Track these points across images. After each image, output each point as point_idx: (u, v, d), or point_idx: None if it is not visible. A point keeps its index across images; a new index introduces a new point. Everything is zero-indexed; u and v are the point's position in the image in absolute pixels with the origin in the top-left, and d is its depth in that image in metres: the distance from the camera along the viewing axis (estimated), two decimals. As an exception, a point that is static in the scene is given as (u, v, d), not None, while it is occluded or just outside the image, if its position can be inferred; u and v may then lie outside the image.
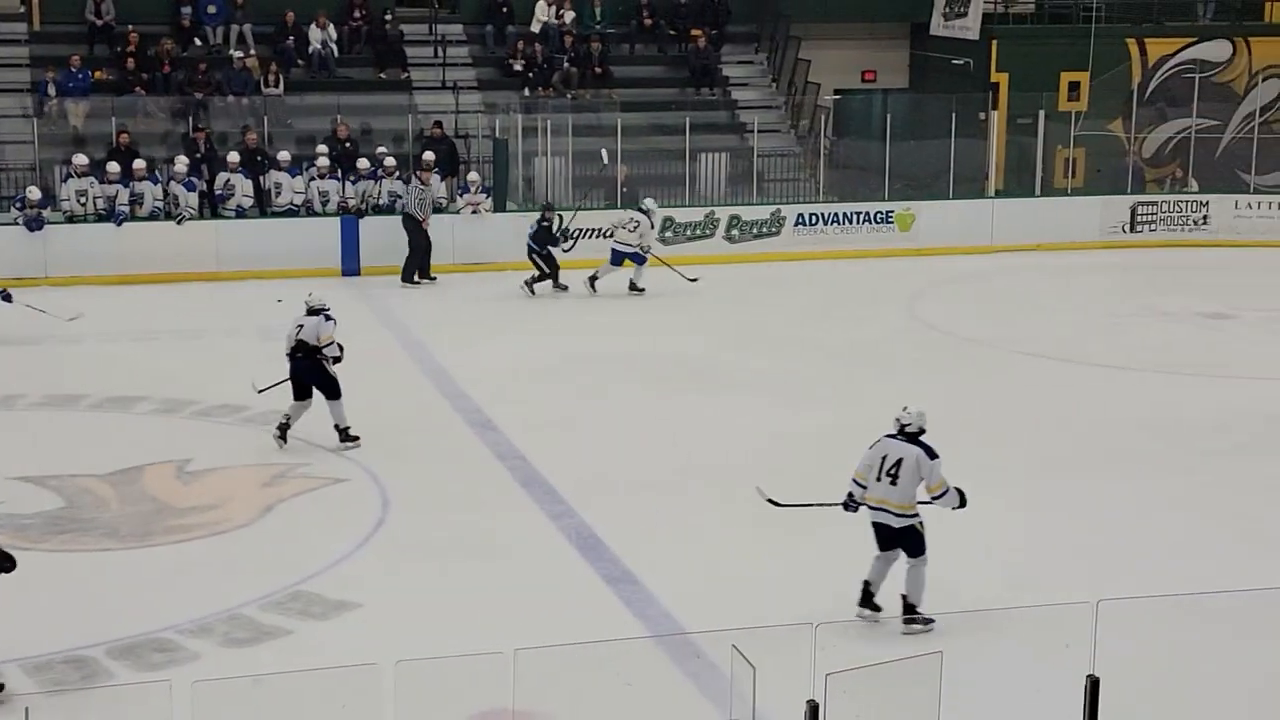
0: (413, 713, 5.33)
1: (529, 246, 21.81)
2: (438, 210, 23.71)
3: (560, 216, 22.29)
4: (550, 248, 21.82)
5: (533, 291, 21.64)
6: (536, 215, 22.14)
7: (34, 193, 22.38)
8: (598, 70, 27.81)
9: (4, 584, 11.29)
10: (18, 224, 22.23)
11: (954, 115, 26.14)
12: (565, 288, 21.83)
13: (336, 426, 14.55)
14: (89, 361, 18.04)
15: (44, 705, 8.64)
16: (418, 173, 22.91)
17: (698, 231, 24.86)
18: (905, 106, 28.27)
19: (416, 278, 22.38)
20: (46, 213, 22.42)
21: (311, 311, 14.51)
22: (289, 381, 14.57)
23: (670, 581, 11.45)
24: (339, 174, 23.82)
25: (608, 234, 22.35)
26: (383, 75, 27.18)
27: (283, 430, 14.45)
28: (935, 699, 7.32)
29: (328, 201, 23.61)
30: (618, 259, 21.97)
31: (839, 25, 29.64)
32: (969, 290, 22.90)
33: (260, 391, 14.86)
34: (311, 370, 14.46)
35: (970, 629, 10.22)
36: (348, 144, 24.60)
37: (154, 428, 15.48)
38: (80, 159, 22.98)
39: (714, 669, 9.50)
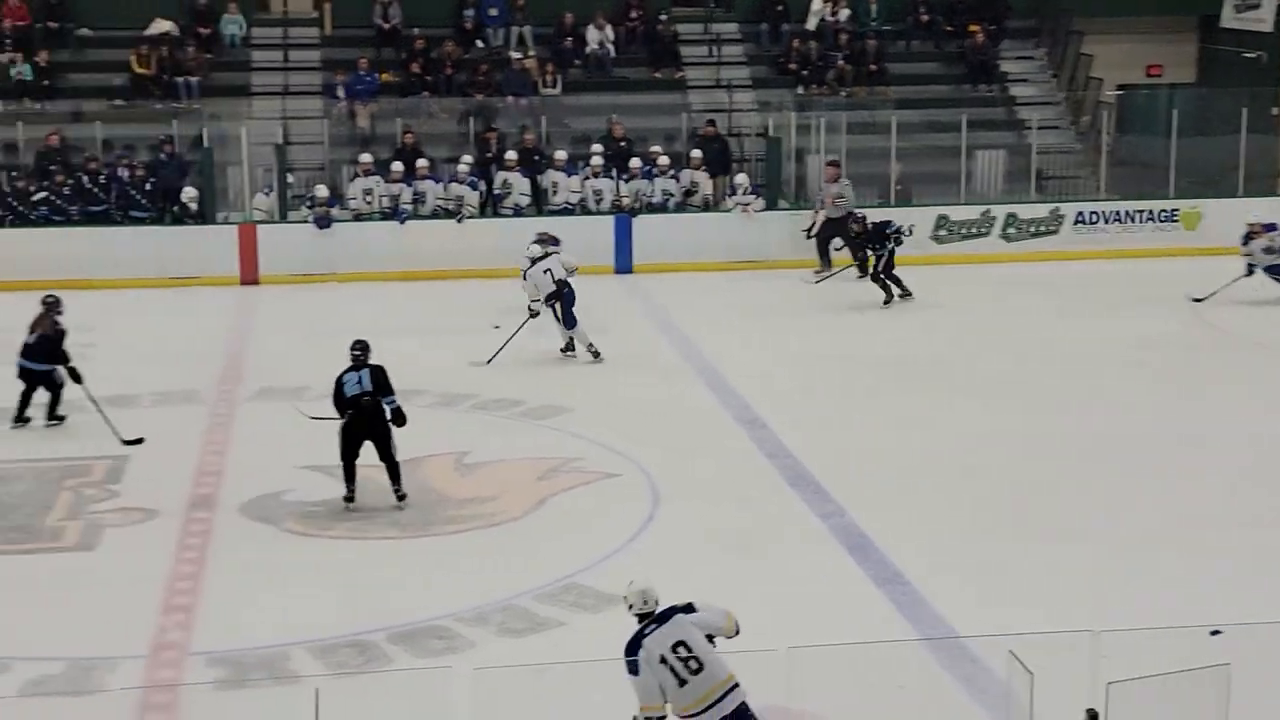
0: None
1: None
2: (707, 209, 23.86)
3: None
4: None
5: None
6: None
7: (322, 191, 23.21)
8: (873, 67, 27.58)
9: (291, 569, 11.76)
10: (308, 222, 23.08)
11: (1245, 110, 25.19)
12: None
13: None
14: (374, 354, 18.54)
15: (331, 687, 8.93)
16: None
17: (973, 230, 24.47)
18: (1193, 102, 27.36)
19: None
20: (334, 211, 23.22)
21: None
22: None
23: (941, 584, 11.29)
24: (613, 173, 24.11)
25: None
26: (657, 75, 27.41)
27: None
28: (1223, 713, 7.07)
29: (602, 200, 23.93)
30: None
31: (1123, 20, 28.82)
32: (1259, 292, 22.04)
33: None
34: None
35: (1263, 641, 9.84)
36: (622, 143, 24.88)
37: (434, 420, 15.86)
38: (366, 159, 23.74)
39: (988, 674, 9.35)
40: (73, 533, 12.60)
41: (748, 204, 23.65)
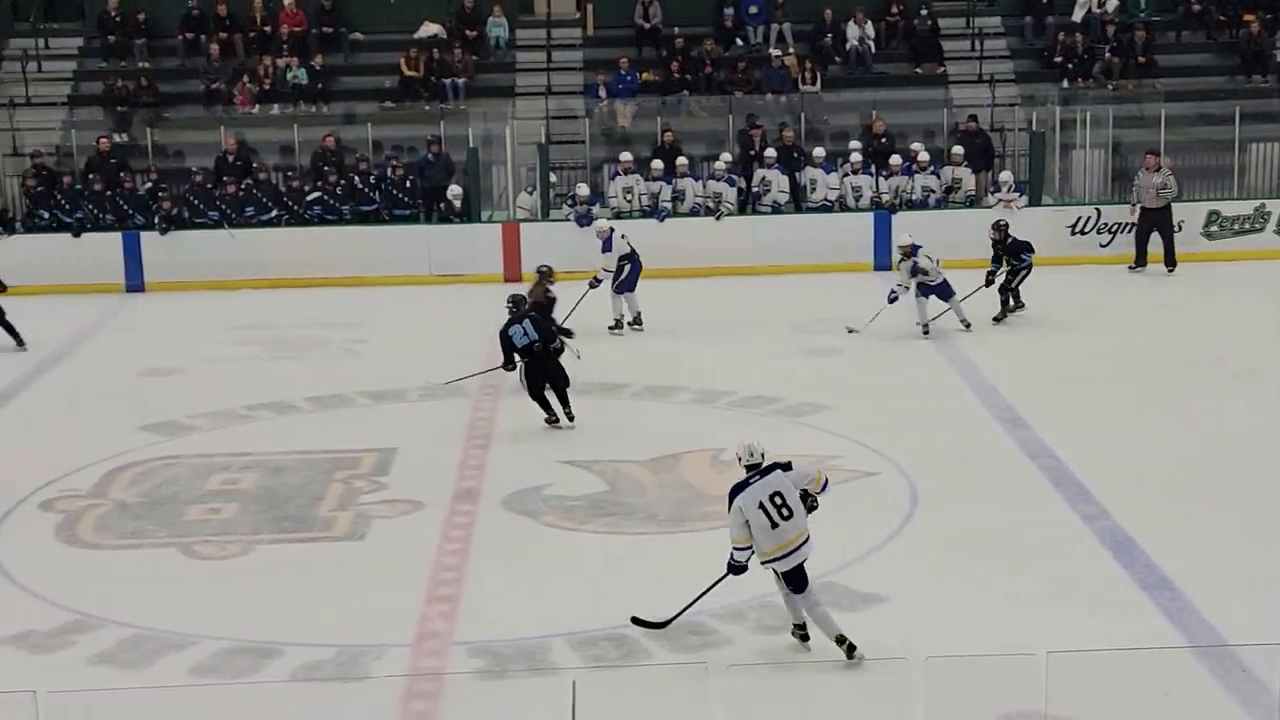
0: (941, 710, 5.28)
1: None
2: (969, 205, 23.50)
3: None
4: None
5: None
6: None
7: (583, 190, 23.53)
8: (1141, 59, 26.83)
9: (551, 562, 11.93)
10: (569, 220, 23.42)
11: None
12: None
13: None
14: (630, 352, 18.78)
15: (588, 680, 9.04)
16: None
17: (1245, 226, 23.61)
18: None
19: None
20: (595, 209, 23.51)
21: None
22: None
23: (1210, 589, 10.92)
24: (872, 169, 23.92)
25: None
26: (918, 70, 27.10)
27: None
28: None
29: (860, 196, 23.76)
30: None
31: None
32: None
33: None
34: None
35: None
36: (882, 139, 24.67)
37: (691, 417, 15.96)
38: (627, 157, 24.00)
39: (1259, 685, 9.01)
40: (343, 523, 13.00)
41: (1011, 200, 23.21)
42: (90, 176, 23.92)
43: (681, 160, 23.88)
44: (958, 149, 23.90)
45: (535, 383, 15.31)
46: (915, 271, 18.57)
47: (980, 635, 10.00)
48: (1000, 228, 19.83)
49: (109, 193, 23.70)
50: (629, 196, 23.77)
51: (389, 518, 13.04)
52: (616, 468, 14.08)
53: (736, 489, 9.92)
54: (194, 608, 11.18)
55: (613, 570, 11.88)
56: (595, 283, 19.73)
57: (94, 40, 27.56)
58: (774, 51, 27.06)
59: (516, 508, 13.21)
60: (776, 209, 23.80)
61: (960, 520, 12.59)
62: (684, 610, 10.34)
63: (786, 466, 10.10)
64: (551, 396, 15.38)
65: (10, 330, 18.93)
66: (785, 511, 9.85)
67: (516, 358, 15.41)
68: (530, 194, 24.30)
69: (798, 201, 24.11)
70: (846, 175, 23.85)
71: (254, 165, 24.38)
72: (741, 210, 23.90)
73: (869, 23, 27.18)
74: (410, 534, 12.67)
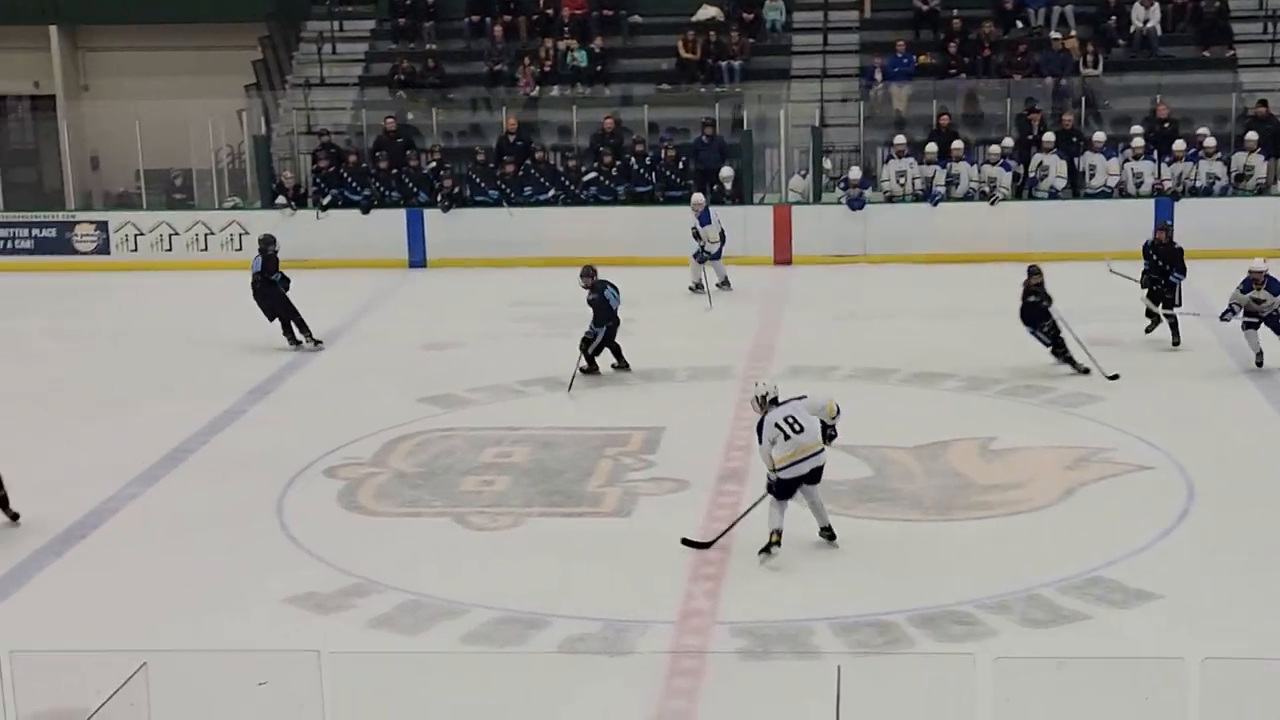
0: (1219, 713, 5.14)
1: None
2: (1260, 193, 22.66)
3: None
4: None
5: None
6: None
7: (855, 173, 23.41)
8: None
9: (815, 546, 11.91)
10: (841, 203, 23.33)
11: None
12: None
13: None
14: (901, 336, 18.64)
15: (852, 665, 9.04)
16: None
17: None
18: None
19: None
20: (867, 193, 23.38)
21: None
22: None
23: None
24: (1155, 155, 23.25)
25: None
26: (1206, 54, 26.20)
27: None
28: None
29: (1142, 183, 23.12)
30: None
31: None
32: None
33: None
34: None
35: None
36: (1165, 124, 23.96)
37: (959, 404, 15.77)
38: (901, 140, 23.79)
39: None
40: (611, 499, 13.20)
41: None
42: (377, 155, 24.72)
43: (957, 144, 23.58)
44: (1251, 135, 23.06)
45: (610, 343, 17.02)
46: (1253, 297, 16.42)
47: (1262, 637, 9.68)
48: (1167, 228, 18.19)
49: (394, 171, 24.46)
50: (902, 180, 23.58)
51: (656, 495, 13.19)
52: (883, 453, 14.00)
53: (762, 421, 11.60)
54: (467, 577, 11.49)
55: (877, 556, 11.81)
56: (705, 256, 21.28)
57: (385, 23, 28.43)
58: (1055, 34, 26.47)
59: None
60: (1054, 194, 23.32)
61: (1240, 521, 12.19)
62: (727, 531, 11.79)
63: (800, 398, 11.77)
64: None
65: (294, 328, 18.80)
66: (798, 427, 11.51)
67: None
68: (802, 177, 24.27)
69: (1076, 187, 23.59)
70: (1127, 161, 23.23)
71: (533, 146, 24.87)
72: (1018, 196, 23.48)
73: (1155, 4, 26.38)
74: (676, 512, 12.79)
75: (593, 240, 22.81)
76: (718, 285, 21.26)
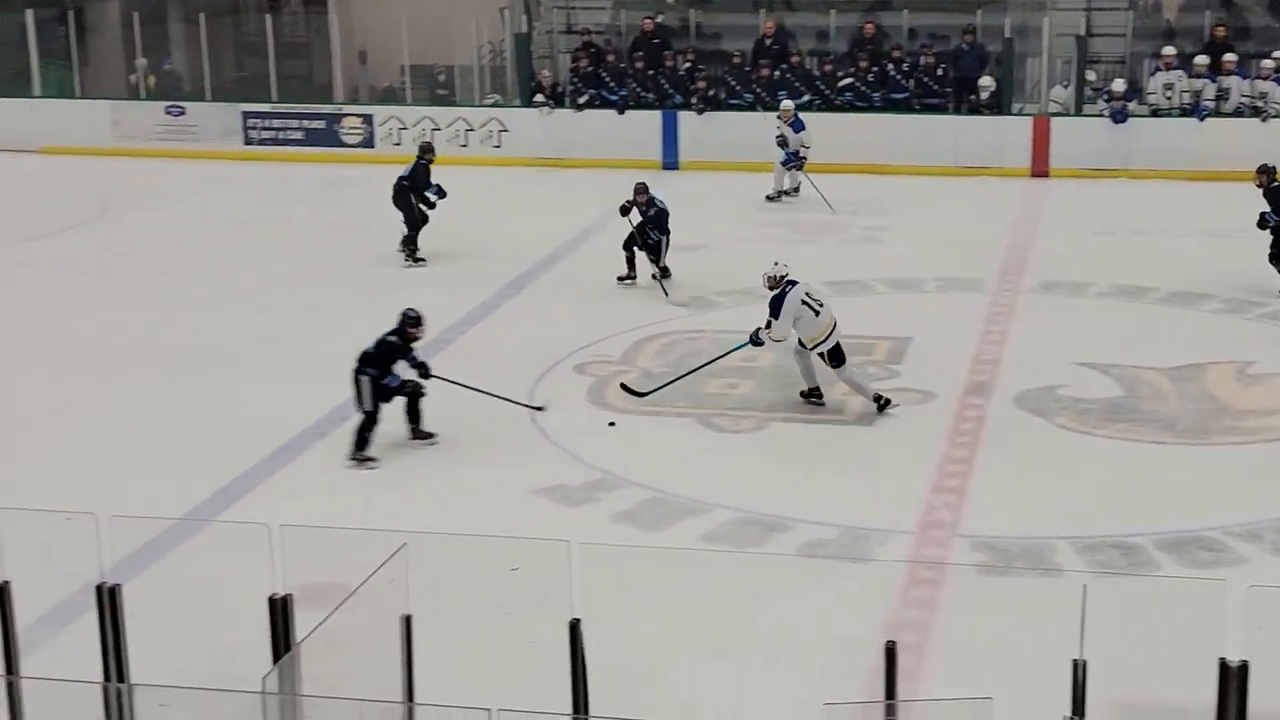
0: None
1: None
2: None
3: None
4: None
5: None
6: None
7: (1119, 85, 22.75)
8: None
9: (1061, 464, 11.77)
10: (1103, 115, 22.72)
11: None
12: None
13: None
14: (1159, 255, 18.17)
15: (1097, 586, 8.95)
16: None
17: None
18: None
19: None
20: (1131, 106, 22.71)
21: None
22: None
23: None
24: None
25: None
26: None
27: None
28: None
29: None
30: None
31: None
32: None
33: None
34: None
35: None
36: None
37: (1219, 326, 15.35)
38: (1170, 52, 23.01)
39: None
40: (855, 407, 13.21)
41: None
42: (634, 55, 24.83)
43: (1229, 57, 22.71)
44: None
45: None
46: None
47: None
48: (1271, 171, 16.57)
49: (650, 72, 24.55)
50: (1169, 93, 22.83)
51: (900, 405, 13.15)
52: (1136, 373, 13.72)
53: (781, 295, 12.71)
54: (709, 476, 11.64)
55: (1124, 477, 11.63)
56: (792, 159, 21.16)
57: (646, -79, 28.42)
58: (1341, -58, 25.28)
59: (1029, 405, 13.08)
60: (1327, 111, 22.37)
61: None
62: (668, 385, 13.03)
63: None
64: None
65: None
66: (819, 305, 12.70)
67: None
68: (1065, 88, 23.68)
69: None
70: None
71: (790, 49, 24.70)
72: (1295, 110, 22.58)
73: None
74: (920, 423, 12.76)
75: (845, 147, 22.61)
76: (786, 192, 21.46)
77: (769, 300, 12.85)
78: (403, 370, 12.14)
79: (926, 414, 12.97)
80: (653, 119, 24.20)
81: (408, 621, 5.60)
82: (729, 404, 13.31)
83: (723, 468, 11.92)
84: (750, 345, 13.05)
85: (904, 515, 10.86)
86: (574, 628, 5.46)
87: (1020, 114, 23.70)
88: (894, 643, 5.50)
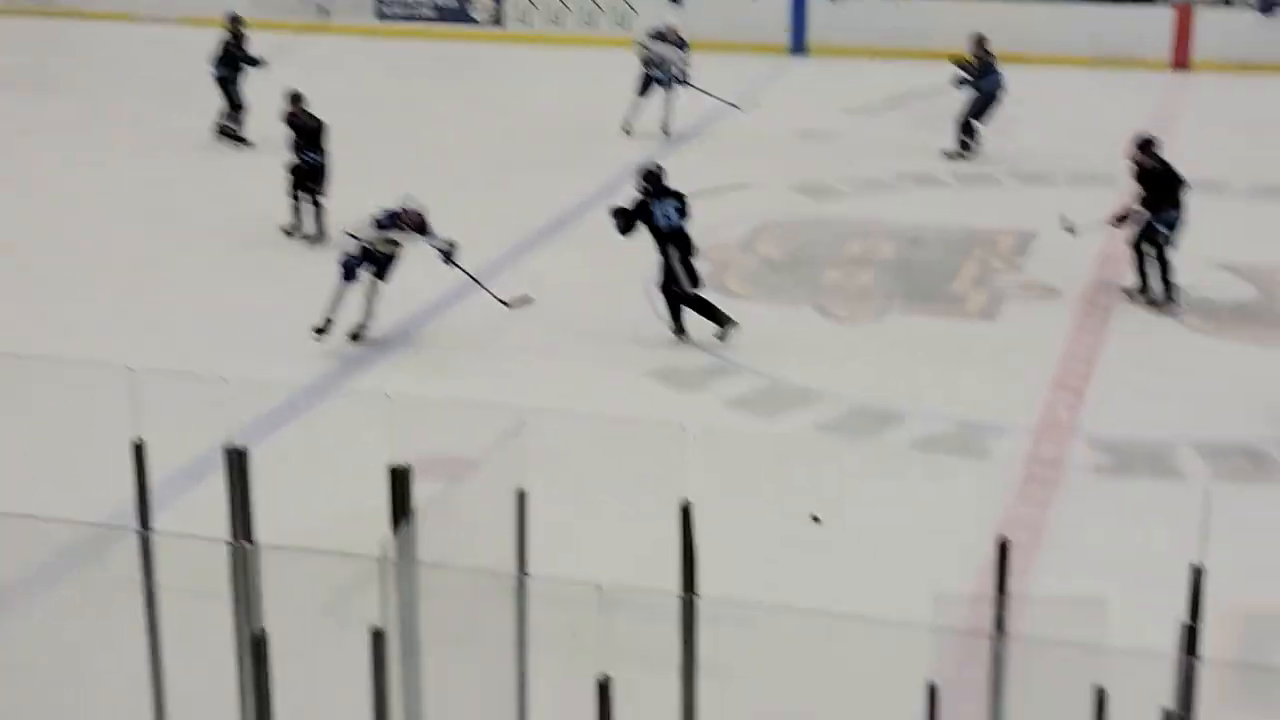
0: None
1: None
2: None
3: None
4: None
5: None
6: None
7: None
8: None
9: (1187, 365, 11.57)
10: (1252, 7, 22.06)
11: None
12: None
13: None
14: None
15: (1221, 491, 8.84)
16: None
17: None
18: None
19: None
20: (1280, -2, 22.05)
21: None
22: None
23: None
24: None
25: None
26: None
27: None
28: None
29: None
30: None
31: None
32: None
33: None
34: None
35: None
36: None
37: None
38: (1320, -57, 22.26)
39: None
40: (976, 301, 13.04)
41: None
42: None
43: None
44: None
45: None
46: None
47: None
48: None
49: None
50: (1319, -14, 22.11)
51: (1023, 300, 12.97)
52: (1273, 276, 13.40)
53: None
54: (824, 366, 11.57)
55: (1252, 382, 11.38)
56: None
57: None
58: None
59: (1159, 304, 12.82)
60: None
61: None
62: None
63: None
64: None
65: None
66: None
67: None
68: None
69: None
70: None
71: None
72: None
73: None
74: (1043, 319, 12.57)
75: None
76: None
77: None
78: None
79: (1049, 310, 12.78)
80: (782, 2, 23.85)
81: (522, 496, 5.63)
82: (846, 294, 13.19)
83: (838, 357, 11.83)
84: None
85: (1022, 412, 10.73)
86: (685, 511, 5.45)
87: (1164, 3, 23.04)
88: (1006, 537, 5.43)
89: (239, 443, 5.84)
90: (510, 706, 5.80)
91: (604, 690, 4.19)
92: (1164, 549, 5.39)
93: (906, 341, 12.23)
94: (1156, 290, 12.72)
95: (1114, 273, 13.51)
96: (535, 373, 11.37)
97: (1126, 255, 13.13)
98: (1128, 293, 12.91)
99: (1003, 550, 5.35)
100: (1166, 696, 4.54)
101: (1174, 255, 12.67)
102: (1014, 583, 5.45)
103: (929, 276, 13.58)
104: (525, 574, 5.69)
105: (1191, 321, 12.49)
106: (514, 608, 5.68)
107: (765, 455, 9.51)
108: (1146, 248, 12.72)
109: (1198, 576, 4.92)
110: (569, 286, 13.13)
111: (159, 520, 6.25)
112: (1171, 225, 12.60)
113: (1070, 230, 13.33)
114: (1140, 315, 12.65)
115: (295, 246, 14.34)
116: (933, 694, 4.18)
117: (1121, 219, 12.90)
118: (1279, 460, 9.98)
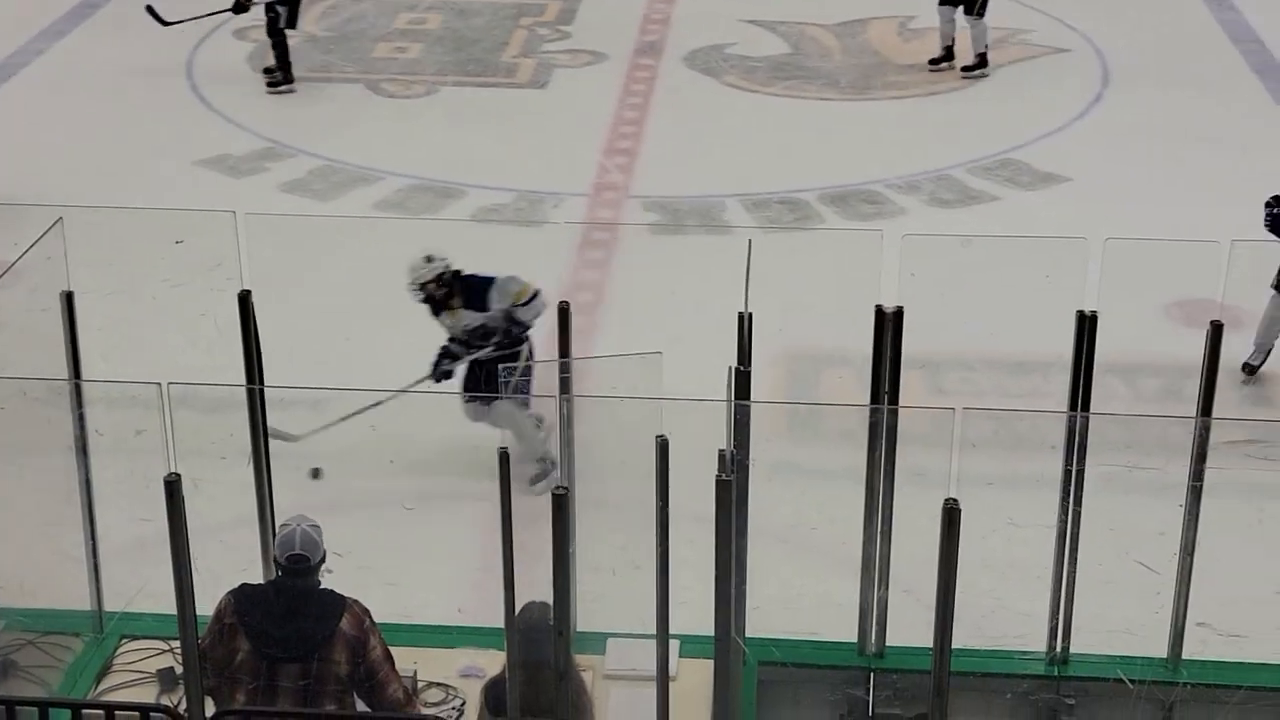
0: (1116, 290, 5.32)
1: None
2: None
3: None
4: None
5: None
6: None
7: None
8: None
9: (729, 123, 11.94)
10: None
11: None
12: None
13: None
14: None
15: (763, 241, 9.21)
16: None
17: None
18: None
19: None
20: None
21: None
22: None
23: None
24: None
25: None
26: None
27: None
28: None
29: None
30: None
31: None
32: None
33: None
34: None
35: None
36: None
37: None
38: None
39: None
40: (525, 70, 13.06)
41: None
42: None
43: None
44: None
45: None
46: None
47: (1164, 221, 9.89)
48: None
49: None
50: None
51: (571, 68, 13.07)
52: (801, 30, 13.87)
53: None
54: (380, 144, 11.44)
55: (790, 133, 11.86)
56: None
57: None
58: None
59: (698, 65, 13.14)
60: None
61: (1154, 102, 12.27)
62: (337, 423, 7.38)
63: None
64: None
65: None
66: None
67: None
68: None
69: None
70: None
71: None
72: None
73: None
74: (591, 85, 12.72)
75: None
76: None
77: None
78: None
79: (597, 75, 12.92)
80: None
81: (69, 298, 5.38)
82: (397, 68, 13.01)
83: (393, 134, 11.71)
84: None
85: (577, 178, 10.90)
86: (244, 299, 5.32)
87: None
88: (567, 303, 5.53)
89: None
90: (77, 508, 5.62)
91: (171, 487, 4.11)
92: (714, 300, 5.59)
93: (461, 113, 12.20)
94: None
95: (656, 35, 13.72)
96: (72, 167, 10.82)
97: (666, 16, 13.36)
98: None
99: (564, 315, 5.45)
100: (722, 439, 4.75)
101: None
102: (577, 345, 5.58)
103: (479, 47, 13.49)
104: (80, 379, 5.47)
105: (730, 79, 12.85)
106: (71, 412, 5.47)
107: (324, 237, 9.38)
108: None
109: (745, 323, 5.13)
110: (100, 73, 12.49)
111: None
112: None
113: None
114: (683, 75, 12.93)
115: None
116: (504, 459, 4.25)
117: None
118: (817, 208, 10.46)
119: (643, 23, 14.09)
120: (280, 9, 12.11)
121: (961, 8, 12.59)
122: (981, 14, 12.61)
